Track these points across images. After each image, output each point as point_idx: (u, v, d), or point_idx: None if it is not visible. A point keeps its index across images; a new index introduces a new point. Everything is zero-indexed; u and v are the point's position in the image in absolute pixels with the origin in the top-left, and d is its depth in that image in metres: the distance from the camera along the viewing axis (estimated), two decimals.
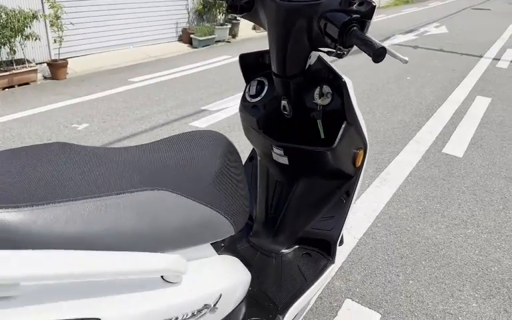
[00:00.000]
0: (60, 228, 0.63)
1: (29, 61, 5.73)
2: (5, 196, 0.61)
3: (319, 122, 1.45)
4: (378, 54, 1.09)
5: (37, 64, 5.87)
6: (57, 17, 5.62)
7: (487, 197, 3.01)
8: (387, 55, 1.13)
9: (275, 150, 1.56)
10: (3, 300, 0.56)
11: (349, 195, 1.60)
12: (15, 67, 5.42)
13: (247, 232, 1.74)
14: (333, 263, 1.60)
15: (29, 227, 0.60)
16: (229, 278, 0.95)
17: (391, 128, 4.24)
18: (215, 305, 0.85)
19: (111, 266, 0.62)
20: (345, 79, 1.37)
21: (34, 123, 4.22)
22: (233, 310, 0.96)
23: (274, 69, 1.42)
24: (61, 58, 5.93)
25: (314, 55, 1.42)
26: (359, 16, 1.17)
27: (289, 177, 1.65)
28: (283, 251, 1.63)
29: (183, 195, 0.83)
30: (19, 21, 5.11)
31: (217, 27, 8.80)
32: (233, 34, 9.36)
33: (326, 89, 1.42)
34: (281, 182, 1.69)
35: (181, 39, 8.63)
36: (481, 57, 7.78)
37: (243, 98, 1.63)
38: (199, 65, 6.89)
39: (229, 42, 9.06)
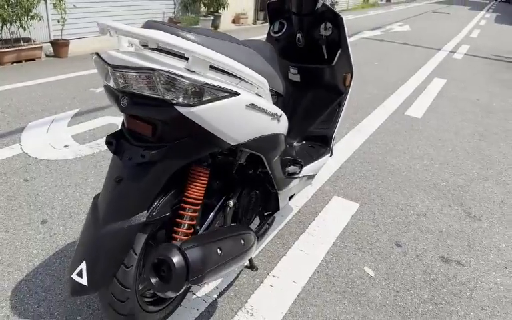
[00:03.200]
0: (217, 48, 1.29)
1: (34, 40, 6.18)
2: (196, 31, 1.26)
3: (323, 47, 2.14)
4: None
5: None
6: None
7: (439, 143, 3.79)
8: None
9: (291, 70, 2.25)
10: (196, 73, 1.20)
11: (340, 105, 2.29)
12: (22, 43, 5.87)
13: None
14: (329, 153, 2.29)
15: (208, 44, 1.26)
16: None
17: (363, 98, 5.00)
18: (279, 117, 1.53)
19: (243, 70, 1.29)
20: (342, 16, 2.06)
21: (55, 86, 4.69)
22: (282, 134, 1.64)
23: (294, 8, 2.11)
24: (61, 39, 6.39)
25: (320, 1, 2.11)
26: None
27: (299, 91, 2.34)
28: (295, 144, 2.31)
29: (261, 56, 1.51)
30: (28, 0, 5.58)
31: (201, 17, 9.43)
32: (215, 26, 9.99)
33: (328, 24, 2.12)
34: (292, 95, 2.37)
35: None
36: (439, 49, 8.74)
37: (268, 35, 2.31)
38: None
39: None
